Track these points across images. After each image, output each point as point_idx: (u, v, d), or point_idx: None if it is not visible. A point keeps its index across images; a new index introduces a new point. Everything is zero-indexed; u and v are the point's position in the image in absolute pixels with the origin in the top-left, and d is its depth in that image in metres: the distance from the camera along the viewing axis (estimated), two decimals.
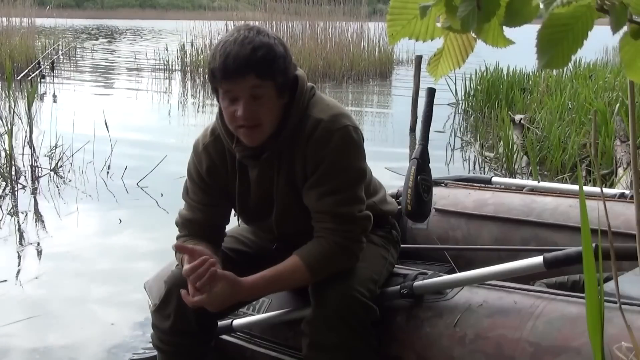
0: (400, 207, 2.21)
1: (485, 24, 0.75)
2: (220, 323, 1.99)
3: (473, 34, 0.81)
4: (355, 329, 1.66)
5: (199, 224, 1.86)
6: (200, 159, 1.83)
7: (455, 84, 9.15)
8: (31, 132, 5.48)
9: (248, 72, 1.60)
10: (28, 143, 5.43)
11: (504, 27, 0.78)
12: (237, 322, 2.00)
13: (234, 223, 2.00)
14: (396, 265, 1.95)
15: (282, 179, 1.76)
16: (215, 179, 1.83)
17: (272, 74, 1.63)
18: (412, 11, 0.79)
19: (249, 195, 1.82)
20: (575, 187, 2.62)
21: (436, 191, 2.53)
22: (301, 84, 1.74)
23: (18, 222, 4.19)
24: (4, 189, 4.86)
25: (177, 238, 1.91)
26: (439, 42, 0.86)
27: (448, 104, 9.10)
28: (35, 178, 5.15)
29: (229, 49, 1.60)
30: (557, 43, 0.72)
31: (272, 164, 1.76)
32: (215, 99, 1.74)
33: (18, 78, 8.42)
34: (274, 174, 1.77)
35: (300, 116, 1.72)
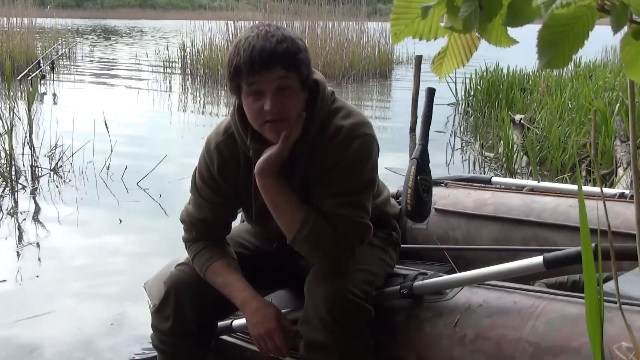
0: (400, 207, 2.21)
1: (489, 24, 0.75)
2: (220, 323, 1.99)
3: (477, 33, 0.81)
4: (349, 329, 1.66)
5: (207, 223, 1.86)
6: (212, 157, 1.81)
7: (455, 84, 9.14)
8: (31, 132, 5.48)
9: (274, 64, 1.60)
10: (28, 143, 5.43)
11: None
12: (237, 322, 2.00)
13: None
14: (396, 266, 1.95)
15: (296, 184, 1.74)
16: (226, 178, 1.81)
17: (297, 65, 1.63)
18: (416, 10, 0.79)
19: (258, 195, 1.80)
20: (575, 187, 2.62)
21: (436, 191, 2.53)
22: (322, 89, 1.73)
23: (18, 222, 4.19)
24: (4, 189, 4.86)
25: (185, 241, 1.90)
26: (441, 42, 0.86)
27: (448, 104, 9.09)
28: (35, 178, 5.14)
29: (254, 43, 1.60)
30: (558, 43, 0.71)
31: (286, 167, 1.74)
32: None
33: (18, 78, 8.43)
34: (287, 177, 1.75)
35: (322, 123, 1.71)
